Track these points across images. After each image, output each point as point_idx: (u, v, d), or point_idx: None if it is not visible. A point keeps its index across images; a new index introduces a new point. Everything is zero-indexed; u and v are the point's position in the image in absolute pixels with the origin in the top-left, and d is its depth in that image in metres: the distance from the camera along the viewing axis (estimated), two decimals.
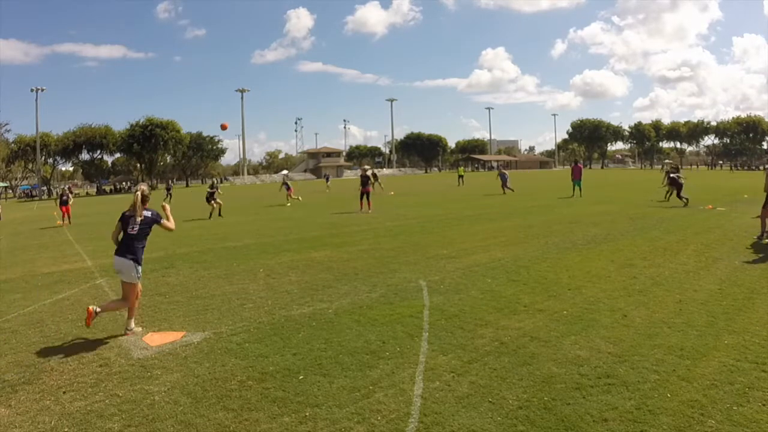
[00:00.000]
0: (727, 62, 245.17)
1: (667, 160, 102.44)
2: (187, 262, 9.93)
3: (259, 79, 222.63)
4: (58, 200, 21.50)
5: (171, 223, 6.05)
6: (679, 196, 17.72)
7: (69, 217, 20.38)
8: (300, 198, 27.89)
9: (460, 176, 41.90)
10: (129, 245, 5.69)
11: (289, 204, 25.25)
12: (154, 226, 5.88)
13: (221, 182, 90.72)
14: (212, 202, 20.07)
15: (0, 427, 3.68)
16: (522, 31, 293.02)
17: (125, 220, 5.80)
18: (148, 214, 5.82)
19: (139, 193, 5.79)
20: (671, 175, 18.56)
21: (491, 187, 31.51)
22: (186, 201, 33.73)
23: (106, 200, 48.49)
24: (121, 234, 5.80)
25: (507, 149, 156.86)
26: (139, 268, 5.69)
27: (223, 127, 27.25)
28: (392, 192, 30.85)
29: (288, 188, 26.89)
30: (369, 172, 20.94)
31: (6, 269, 10.27)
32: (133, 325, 5.76)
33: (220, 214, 19.87)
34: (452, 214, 17.40)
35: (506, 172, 29.34)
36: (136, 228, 5.73)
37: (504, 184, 27.82)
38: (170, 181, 42.85)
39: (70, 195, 21.14)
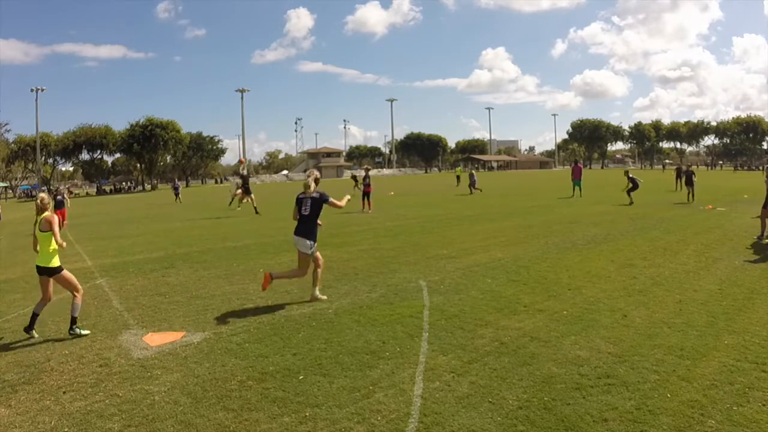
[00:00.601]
0: (728, 62, 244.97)
1: (667, 160, 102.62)
2: (187, 262, 9.93)
3: (259, 79, 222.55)
4: (52, 198, 19.89)
5: (341, 202, 6.68)
6: (629, 192, 19.42)
7: (63, 221, 18.35)
8: (238, 208, 23.52)
9: (458, 176, 41.57)
10: (303, 224, 6.63)
11: (239, 208, 22.89)
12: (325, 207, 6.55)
13: (221, 182, 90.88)
14: (248, 196, 20.58)
15: (0, 427, 3.68)
16: (522, 31, 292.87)
17: (299, 201, 6.70)
18: (316, 195, 6.59)
19: (311, 178, 6.63)
20: (630, 175, 19.93)
21: (490, 187, 31.53)
22: (194, 200, 33.72)
23: (106, 200, 48.50)
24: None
25: (507, 149, 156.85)
26: (313, 243, 6.56)
27: (241, 162, 26.47)
28: (392, 192, 30.85)
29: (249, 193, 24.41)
30: (370, 172, 21.10)
31: (6, 269, 10.27)
32: (317, 292, 6.58)
33: (256, 211, 20.36)
34: (452, 214, 17.40)
35: (475, 173, 31.29)
36: (308, 209, 6.57)
37: (472, 185, 28.82)
38: (176, 181, 41.52)
39: (66, 196, 19.23)
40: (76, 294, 5.79)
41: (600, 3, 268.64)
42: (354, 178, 25.13)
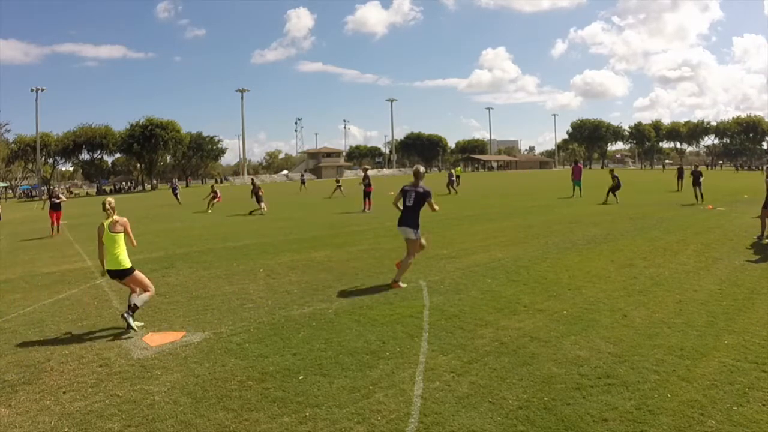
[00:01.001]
0: (728, 62, 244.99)
1: (667, 161, 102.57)
2: (187, 262, 9.93)
3: (259, 79, 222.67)
4: (47, 202, 17.27)
5: (437, 207, 7.42)
6: (613, 192, 19.86)
7: (59, 226, 16.47)
8: (210, 211, 23.69)
9: (457, 176, 41.62)
10: (405, 214, 7.22)
11: (210, 211, 23.15)
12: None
13: (221, 182, 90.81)
14: (261, 203, 20.69)
15: (0, 427, 3.68)
16: (522, 31, 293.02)
17: (404, 192, 7.28)
18: (421, 190, 7.17)
19: (420, 169, 7.27)
20: (614, 173, 20.40)
21: (490, 187, 31.50)
22: (194, 200, 33.68)
23: None
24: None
25: (507, 149, 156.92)
26: (417, 231, 7.19)
27: (253, 181, 26.08)
28: (392, 192, 30.83)
29: (216, 196, 24.75)
30: (369, 172, 21.13)
31: (6, 269, 10.27)
32: (401, 281, 7.20)
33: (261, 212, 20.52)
34: (452, 214, 17.40)
35: (455, 172, 32.00)
36: (412, 200, 7.15)
37: (450, 184, 29.43)
38: (175, 181, 40.79)
39: (62, 196, 17.42)
40: (147, 291, 5.86)
41: (600, 3, 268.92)
42: (337, 181, 25.34)
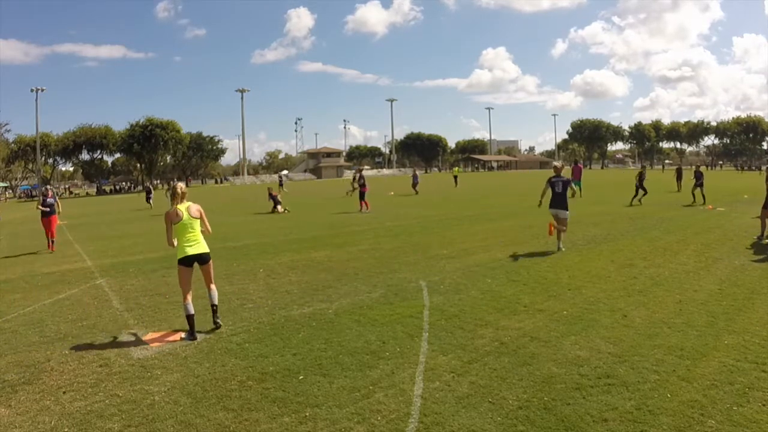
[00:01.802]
0: (728, 62, 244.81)
1: (667, 161, 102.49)
2: None
3: (259, 79, 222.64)
4: (39, 204, 12.77)
5: (575, 188, 9.85)
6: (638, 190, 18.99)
7: (53, 238, 12.69)
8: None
9: (455, 176, 40.53)
10: (557, 199, 9.44)
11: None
12: None
13: (221, 182, 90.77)
14: (278, 206, 20.77)
15: (0, 427, 3.68)
16: (523, 31, 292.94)
17: (553, 183, 9.49)
18: (564, 179, 9.47)
19: (559, 163, 9.70)
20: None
21: (490, 188, 31.49)
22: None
23: (106, 200, 48.52)
24: (550, 193, 9.58)
25: (507, 149, 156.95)
26: (568, 212, 9.49)
27: (270, 191, 25.96)
28: (392, 192, 30.85)
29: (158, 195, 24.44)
30: (363, 172, 21.42)
31: (6, 269, 10.27)
32: (562, 246, 9.43)
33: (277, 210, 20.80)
34: (452, 214, 17.40)
35: (418, 174, 32.43)
36: (561, 187, 9.44)
37: (413, 185, 29.70)
38: (148, 185, 38.81)
39: (57, 200, 13.23)
40: (212, 283, 5.81)
41: (601, 3, 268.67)
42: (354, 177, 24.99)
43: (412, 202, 24.67)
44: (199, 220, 5.74)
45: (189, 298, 5.50)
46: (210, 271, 5.78)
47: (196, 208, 5.75)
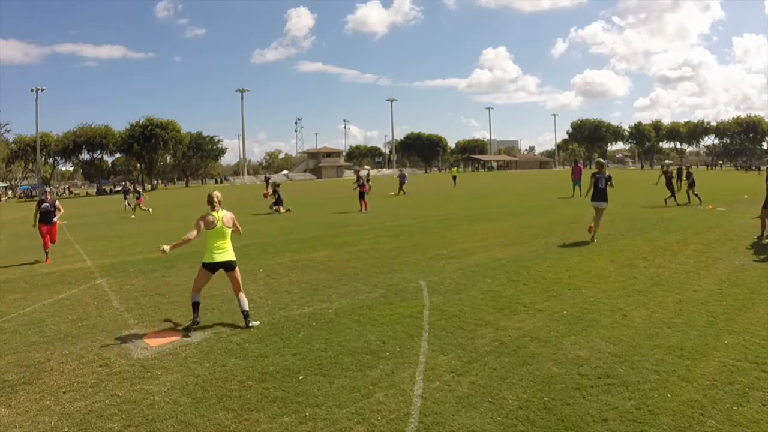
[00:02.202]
0: (729, 62, 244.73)
1: (667, 161, 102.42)
2: (188, 262, 9.92)
3: (259, 79, 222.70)
4: (36, 212, 11.04)
5: (613, 183, 11.16)
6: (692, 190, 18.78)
7: (47, 249, 10.99)
8: (150, 210, 24.69)
9: (454, 177, 40.13)
10: (600, 193, 10.71)
11: (133, 216, 22.79)
12: None
13: (221, 182, 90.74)
14: (280, 207, 20.77)
15: (0, 427, 3.68)
16: (523, 31, 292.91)
17: (597, 179, 10.74)
18: (606, 175, 10.79)
19: (602, 161, 11.17)
20: (690, 171, 19.32)
21: (490, 188, 31.47)
22: (194, 200, 33.70)
23: (106, 200, 48.48)
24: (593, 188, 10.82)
25: (507, 149, 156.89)
26: (607, 203, 10.86)
27: (265, 195, 26.01)
28: (392, 192, 30.85)
29: (139, 197, 24.70)
30: (363, 173, 21.45)
31: (6, 269, 10.27)
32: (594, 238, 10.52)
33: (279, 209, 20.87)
34: (452, 214, 17.40)
35: (406, 174, 32.14)
36: (603, 183, 10.71)
37: (400, 186, 29.61)
38: (126, 184, 35.85)
39: (58, 204, 11.28)
40: (240, 289, 5.92)
41: (601, 2, 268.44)
42: (366, 176, 24.72)
43: (412, 202, 24.67)
44: (230, 229, 5.91)
45: (197, 294, 5.86)
46: (238, 278, 5.89)
47: (230, 216, 5.92)
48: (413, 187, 41.84)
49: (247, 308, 5.84)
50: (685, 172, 19.66)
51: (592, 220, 10.87)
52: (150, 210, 24.79)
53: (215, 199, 5.82)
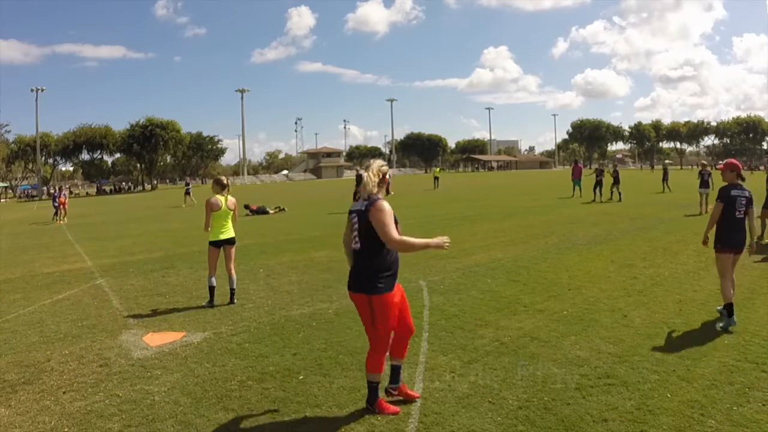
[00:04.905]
0: (730, 62, 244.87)
1: (667, 161, 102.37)
2: (187, 262, 9.93)
3: (259, 79, 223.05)
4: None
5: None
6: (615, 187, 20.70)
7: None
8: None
9: (436, 178, 38.17)
10: (704, 185, 14.06)
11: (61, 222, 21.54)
12: None
13: None
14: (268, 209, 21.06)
15: (0, 427, 3.68)
16: (524, 30, 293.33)
17: (702, 174, 14.12)
18: (708, 171, 14.21)
19: (705, 161, 12.52)
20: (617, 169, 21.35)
21: (490, 188, 31.40)
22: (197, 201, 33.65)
23: (106, 200, 48.50)
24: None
25: (507, 149, 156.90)
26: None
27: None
28: (392, 192, 30.84)
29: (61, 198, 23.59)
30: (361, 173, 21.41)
31: (6, 269, 10.27)
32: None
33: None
34: (452, 214, 17.40)
35: (390, 175, 31.83)
36: (707, 177, 14.02)
37: (387, 186, 29.52)
38: (188, 179, 38.47)
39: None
40: (232, 269, 6.71)
41: (602, 2, 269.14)
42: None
43: (412, 202, 24.67)
44: (232, 212, 6.70)
45: (213, 275, 6.59)
46: (232, 252, 6.75)
47: (232, 201, 6.73)
48: (416, 187, 41.83)
49: (234, 286, 6.65)
50: (612, 170, 21.29)
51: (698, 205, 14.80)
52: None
53: (225, 182, 6.70)
